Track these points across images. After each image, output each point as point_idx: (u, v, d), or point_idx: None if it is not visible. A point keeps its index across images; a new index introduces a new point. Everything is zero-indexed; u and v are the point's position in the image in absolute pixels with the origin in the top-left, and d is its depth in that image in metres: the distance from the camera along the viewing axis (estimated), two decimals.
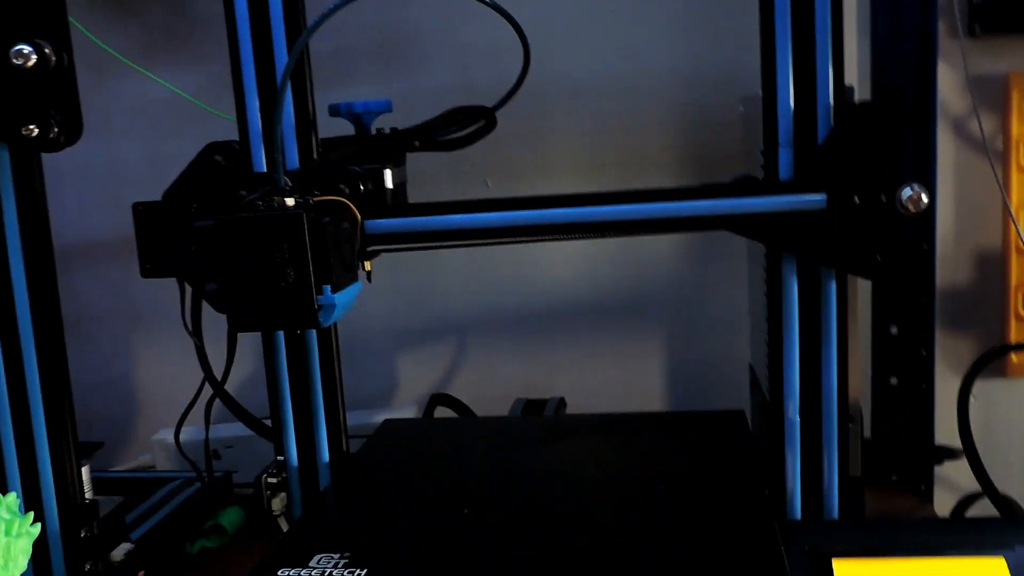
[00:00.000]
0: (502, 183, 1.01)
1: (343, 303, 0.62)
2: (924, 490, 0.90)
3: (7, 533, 0.51)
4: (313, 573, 0.55)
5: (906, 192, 0.60)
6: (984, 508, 0.85)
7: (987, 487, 0.80)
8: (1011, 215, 0.91)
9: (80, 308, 1.09)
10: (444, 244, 0.68)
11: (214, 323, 0.73)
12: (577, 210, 0.65)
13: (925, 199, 0.59)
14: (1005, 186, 0.91)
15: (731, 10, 0.94)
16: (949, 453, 0.87)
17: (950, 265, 0.93)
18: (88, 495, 0.71)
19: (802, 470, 0.67)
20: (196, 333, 0.75)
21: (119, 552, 0.73)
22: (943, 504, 0.91)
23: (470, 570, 0.55)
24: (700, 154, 0.96)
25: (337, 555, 0.57)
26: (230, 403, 0.78)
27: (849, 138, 0.62)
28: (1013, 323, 0.93)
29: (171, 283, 1.06)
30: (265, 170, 0.69)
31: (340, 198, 0.65)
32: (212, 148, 0.70)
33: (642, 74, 0.98)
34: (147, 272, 0.69)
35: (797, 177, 0.64)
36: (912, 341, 0.89)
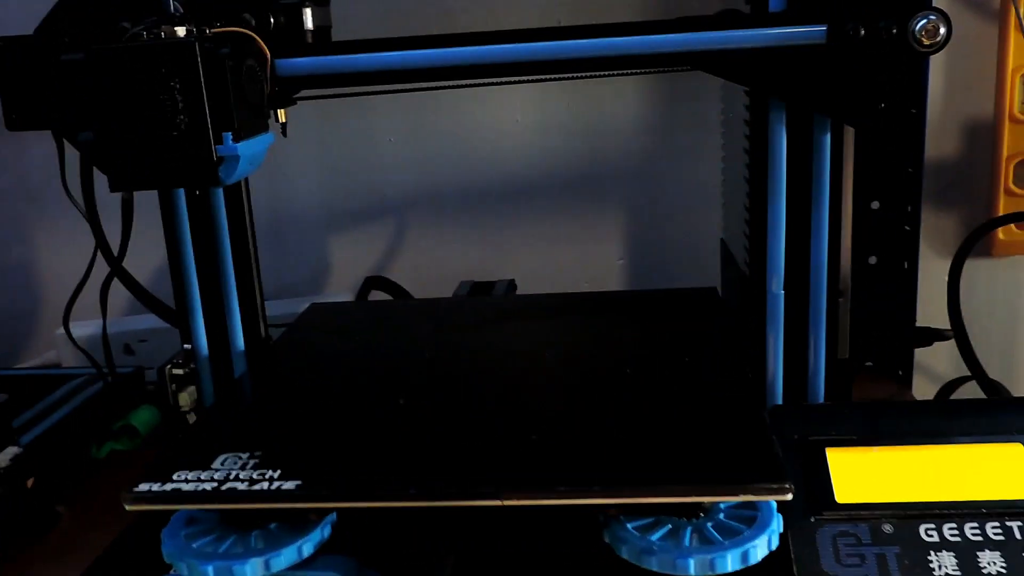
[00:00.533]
0: None
1: (248, 155, 0.51)
2: (902, 375, 0.83)
3: None
4: (216, 475, 0.46)
5: (920, 22, 0.50)
6: (967, 394, 0.79)
7: (976, 371, 0.74)
8: (1005, 79, 0.83)
9: None
10: (372, 90, 0.57)
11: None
12: (533, 46, 0.54)
13: (943, 31, 0.50)
14: (1001, 48, 0.83)
15: None
16: (931, 335, 0.80)
17: (936, 135, 0.85)
18: None
19: (785, 350, 0.59)
20: (87, 201, 0.64)
21: (3, 457, 0.63)
22: (922, 391, 0.85)
23: (406, 471, 0.46)
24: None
25: (246, 454, 0.47)
26: (128, 282, 0.68)
27: None
28: (1002, 198, 0.85)
29: (68, 157, 0.95)
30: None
31: (244, 30, 0.53)
32: None
33: None
34: (12, 124, 0.57)
35: (790, 8, 0.54)
36: (895, 216, 0.81)
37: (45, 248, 0.99)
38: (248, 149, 0.51)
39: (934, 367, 0.88)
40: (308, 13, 0.60)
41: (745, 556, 0.43)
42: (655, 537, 0.44)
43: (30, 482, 0.66)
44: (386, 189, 0.94)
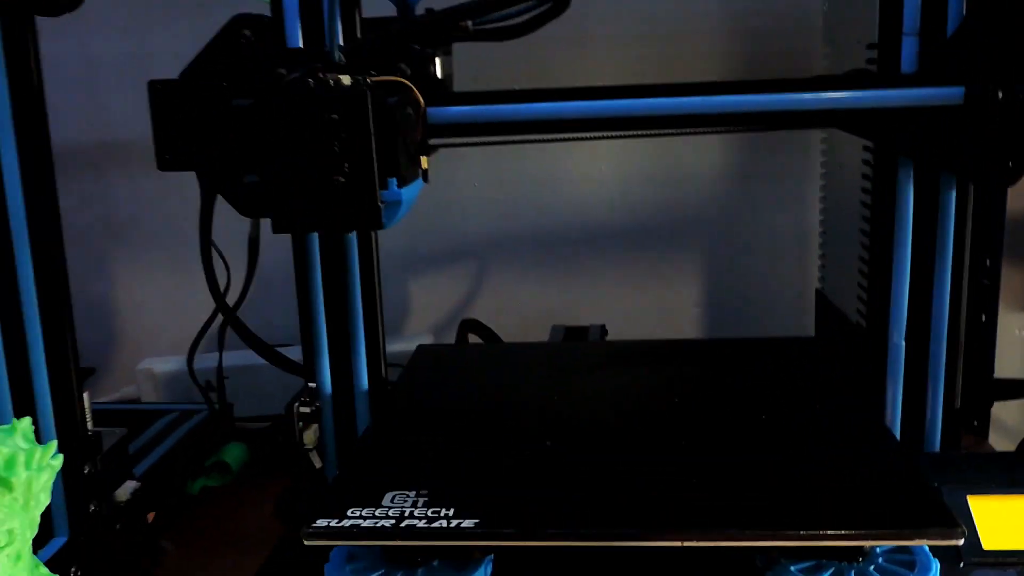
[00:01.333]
0: None
1: (408, 200, 0.53)
2: (977, 427, 0.84)
3: (27, 466, 0.41)
4: (391, 512, 0.46)
5: None
6: None
7: None
8: None
9: None
10: (515, 139, 0.58)
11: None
12: (668, 101, 0.56)
13: None
14: None
15: None
16: (1015, 389, 0.81)
17: (1015, 190, 0.87)
18: (89, 426, 0.61)
19: (904, 400, 0.60)
20: (205, 247, 0.65)
21: (124, 491, 0.63)
22: (998, 445, 0.86)
23: (571, 511, 0.47)
24: (764, 64, 0.86)
25: (414, 492, 0.48)
26: (241, 330, 0.68)
27: (985, 29, 0.54)
28: None
29: (152, 195, 0.96)
30: (302, 46, 0.59)
31: (402, 79, 0.55)
32: (239, 21, 0.59)
33: None
34: (165, 164, 0.57)
35: (922, 70, 0.56)
36: (975, 269, 0.82)
37: (124, 284, 1.00)
38: (408, 194, 0.53)
39: (1005, 421, 0.89)
40: (439, 62, 0.62)
41: None
42: None
43: (151, 516, 0.66)
44: (467, 234, 0.95)
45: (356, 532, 0.45)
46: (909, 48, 0.56)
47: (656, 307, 0.94)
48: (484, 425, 0.59)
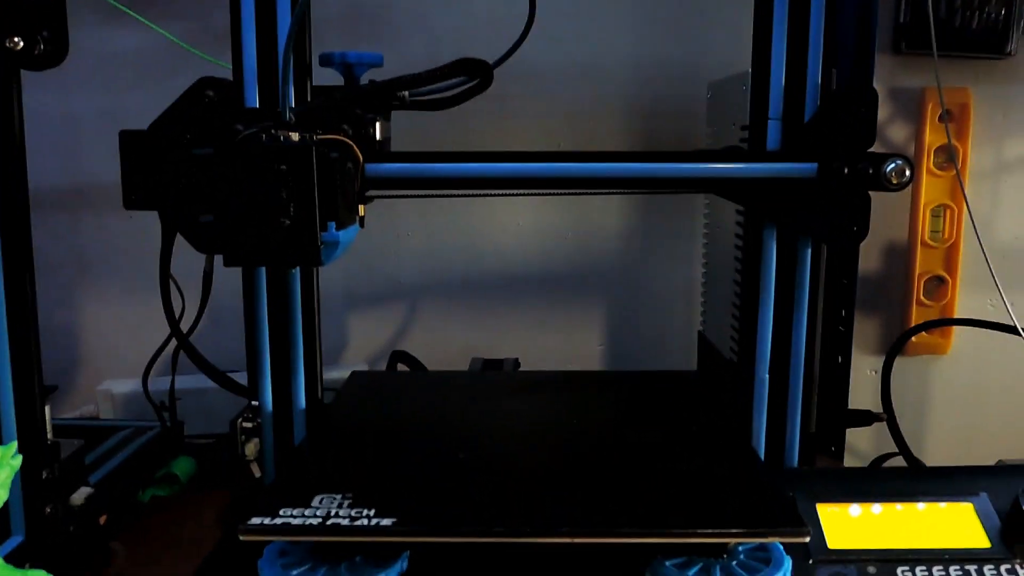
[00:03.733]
0: None
1: (345, 242, 0.54)
2: (834, 451, 0.88)
3: None
4: (318, 512, 0.47)
5: (892, 165, 0.56)
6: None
7: (903, 448, 0.79)
8: (918, 212, 0.91)
9: None
10: (442, 193, 0.60)
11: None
12: (578, 166, 0.58)
13: (908, 172, 0.56)
14: (915, 186, 0.91)
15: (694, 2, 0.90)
16: (870, 418, 0.85)
17: (863, 254, 0.92)
18: (49, 436, 0.60)
19: (767, 424, 0.63)
20: (164, 279, 0.65)
21: (79, 496, 0.62)
22: (850, 465, 0.90)
23: (480, 513, 0.48)
24: (658, 139, 0.90)
25: (339, 495, 0.49)
26: (193, 355, 0.68)
27: (836, 117, 0.58)
28: (915, 308, 0.92)
29: (119, 233, 0.95)
30: (258, 107, 0.60)
31: (343, 138, 0.56)
32: (204, 82, 0.60)
33: (603, 62, 0.92)
34: (131, 203, 0.58)
35: (784, 147, 0.60)
36: (833, 320, 0.86)
37: (90, 312, 0.98)
38: (345, 236, 0.54)
39: (856, 445, 0.93)
40: (378, 126, 0.64)
41: None
42: (690, 573, 0.47)
43: (103, 519, 0.65)
44: (400, 276, 0.97)
45: (286, 529, 0.46)
46: (773, 130, 0.60)
47: (565, 345, 0.96)
48: (406, 440, 0.60)
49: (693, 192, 0.60)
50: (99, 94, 0.93)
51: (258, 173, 0.51)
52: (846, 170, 0.56)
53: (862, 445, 0.93)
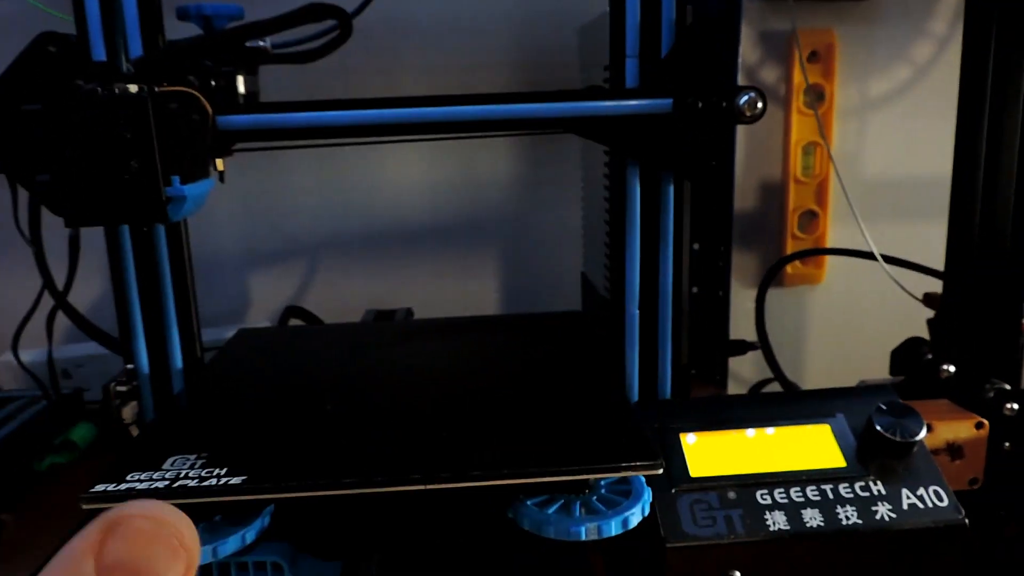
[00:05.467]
0: None
1: (193, 196, 0.48)
2: (719, 380, 0.86)
3: None
4: (167, 475, 0.42)
5: (744, 98, 0.52)
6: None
7: (778, 374, 0.77)
8: (789, 150, 0.88)
9: None
10: (299, 144, 0.54)
11: (58, 230, 0.57)
12: (433, 110, 0.53)
13: (761, 105, 0.52)
14: (786, 126, 0.88)
15: None
16: (744, 347, 0.83)
17: (740, 192, 0.89)
18: None
19: (640, 359, 0.60)
20: (34, 239, 0.59)
21: None
22: (735, 391, 0.88)
23: (338, 466, 0.43)
24: (539, 86, 0.85)
25: (193, 456, 0.44)
26: (72, 314, 0.62)
27: (690, 52, 0.54)
28: (790, 241, 0.90)
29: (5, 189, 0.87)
30: (106, 61, 0.53)
31: (188, 89, 0.50)
32: (45, 38, 0.53)
33: (483, 17, 0.86)
34: None
35: (643, 85, 0.55)
36: (711, 255, 0.83)
37: None
38: (192, 191, 0.48)
39: (741, 373, 0.91)
40: (240, 80, 0.57)
41: (625, 522, 0.42)
42: (551, 511, 0.43)
43: None
44: (299, 234, 0.91)
45: (130, 494, 0.40)
46: (632, 68, 0.55)
47: (462, 293, 0.92)
48: (282, 395, 0.55)
49: (555, 132, 0.55)
50: None
51: (93, 127, 0.45)
52: (700, 104, 0.52)
53: (746, 373, 0.92)
